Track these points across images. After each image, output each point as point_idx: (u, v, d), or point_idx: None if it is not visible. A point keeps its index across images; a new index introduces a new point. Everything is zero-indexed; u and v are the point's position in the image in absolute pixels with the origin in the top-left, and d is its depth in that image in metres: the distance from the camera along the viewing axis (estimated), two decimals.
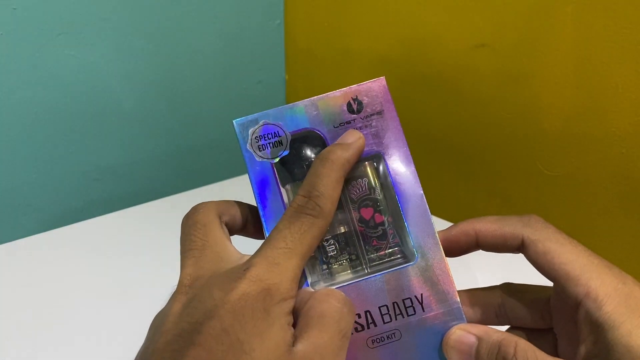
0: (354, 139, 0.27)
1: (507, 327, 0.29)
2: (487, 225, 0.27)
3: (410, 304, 0.26)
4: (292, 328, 0.23)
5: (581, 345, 0.24)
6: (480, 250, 0.29)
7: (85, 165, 0.61)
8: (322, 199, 0.24)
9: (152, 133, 0.66)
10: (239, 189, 0.61)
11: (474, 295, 0.29)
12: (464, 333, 0.25)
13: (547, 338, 0.27)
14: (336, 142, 0.27)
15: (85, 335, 0.37)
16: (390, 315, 0.26)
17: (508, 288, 0.29)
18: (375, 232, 0.28)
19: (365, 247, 0.28)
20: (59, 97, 0.56)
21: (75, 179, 0.61)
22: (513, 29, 0.49)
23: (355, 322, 0.26)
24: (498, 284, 0.30)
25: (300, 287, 0.25)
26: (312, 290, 0.25)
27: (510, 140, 0.53)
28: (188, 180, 0.68)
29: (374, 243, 0.28)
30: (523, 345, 0.23)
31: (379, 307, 0.26)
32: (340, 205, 0.28)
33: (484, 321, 0.29)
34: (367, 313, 0.26)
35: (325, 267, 0.28)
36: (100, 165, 0.62)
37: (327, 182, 0.25)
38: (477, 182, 0.58)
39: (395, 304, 0.26)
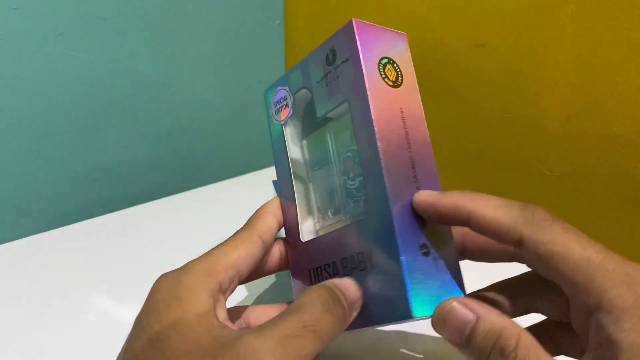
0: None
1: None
2: (484, 212, 0.23)
3: (362, 259, 0.25)
4: (222, 312, 0.24)
5: (586, 354, 0.21)
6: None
7: (85, 165, 0.61)
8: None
9: (152, 133, 0.66)
10: (239, 189, 0.61)
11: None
12: (461, 307, 0.22)
13: (555, 297, 0.25)
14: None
15: (85, 335, 0.37)
16: (347, 268, 0.26)
17: (536, 281, 0.26)
18: (353, 184, 0.28)
19: (347, 200, 0.28)
20: (58, 97, 0.56)
21: (75, 179, 0.61)
22: (513, 29, 0.49)
23: (326, 271, 0.27)
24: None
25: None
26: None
27: (510, 140, 0.53)
28: (188, 180, 0.68)
29: (353, 195, 0.28)
30: (526, 340, 0.21)
31: (342, 259, 0.26)
32: (329, 160, 0.30)
33: (495, 258, 0.27)
34: (333, 264, 0.27)
35: (311, 219, 0.30)
36: (100, 165, 0.62)
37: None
38: (476, 182, 0.58)
39: (352, 257, 0.26)
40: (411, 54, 0.28)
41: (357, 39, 0.25)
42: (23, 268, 0.44)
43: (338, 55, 0.26)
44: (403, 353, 0.34)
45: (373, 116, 0.24)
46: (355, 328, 0.24)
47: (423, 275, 0.23)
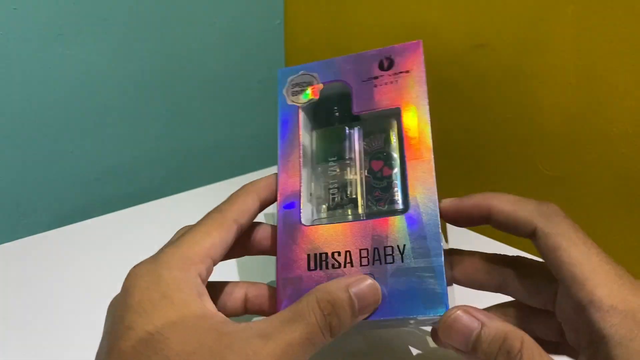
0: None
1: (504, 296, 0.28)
2: (502, 205, 0.26)
3: (391, 253, 0.26)
4: (209, 302, 0.24)
5: (580, 355, 0.22)
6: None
7: (85, 165, 0.61)
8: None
9: (152, 133, 0.66)
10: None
11: (482, 260, 0.28)
12: (466, 315, 0.24)
13: (549, 319, 0.26)
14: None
15: (85, 336, 0.37)
16: (368, 259, 0.26)
17: (519, 264, 0.27)
18: (380, 184, 0.29)
19: (367, 197, 0.29)
20: (58, 97, 0.56)
21: (75, 179, 0.61)
22: (513, 29, 0.49)
23: (334, 258, 0.27)
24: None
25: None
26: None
27: (511, 140, 0.53)
28: (188, 180, 0.68)
29: (377, 194, 0.29)
30: (530, 342, 0.22)
31: (360, 250, 0.26)
32: (347, 156, 0.30)
33: (482, 285, 0.28)
34: (347, 253, 0.27)
35: (321, 210, 0.30)
36: (100, 165, 0.62)
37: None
38: (477, 182, 0.58)
39: (376, 249, 0.26)
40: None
41: (423, 58, 0.29)
42: (23, 268, 0.44)
43: (395, 65, 0.30)
44: (403, 353, 0.34)
45: (429, 130, 0.28)
46: (374, 319, 0.25)
47: (445, 277, 0.25)
